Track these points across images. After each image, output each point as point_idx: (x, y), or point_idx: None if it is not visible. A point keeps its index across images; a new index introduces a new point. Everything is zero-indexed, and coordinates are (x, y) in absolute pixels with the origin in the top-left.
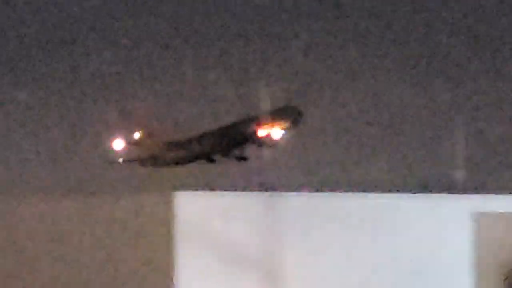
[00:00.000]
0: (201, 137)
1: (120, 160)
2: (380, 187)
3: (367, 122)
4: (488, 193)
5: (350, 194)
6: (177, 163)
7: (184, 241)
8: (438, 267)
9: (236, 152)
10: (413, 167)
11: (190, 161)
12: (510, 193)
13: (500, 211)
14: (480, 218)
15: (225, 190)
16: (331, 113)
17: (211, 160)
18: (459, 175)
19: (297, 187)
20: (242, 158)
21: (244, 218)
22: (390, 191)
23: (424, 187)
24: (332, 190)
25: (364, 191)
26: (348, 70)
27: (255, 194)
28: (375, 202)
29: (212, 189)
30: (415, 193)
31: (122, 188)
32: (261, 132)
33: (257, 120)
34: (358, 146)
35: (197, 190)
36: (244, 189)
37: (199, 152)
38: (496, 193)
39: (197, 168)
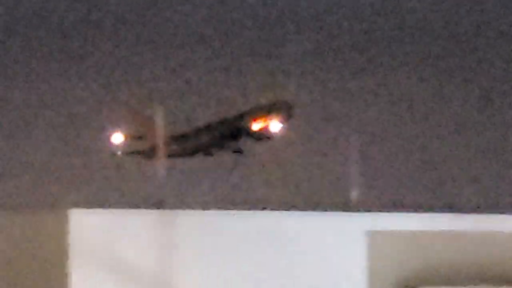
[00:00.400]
0: (200, 130)
1: (119, 153)
2: (275, 205)
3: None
4: (381, 211)
5: (245, 212)
6: (178, 156)
7: (79, 260)
8: (332, 286)
9: (232, 145)
10: (307, 185)
11: (190, 154)
12: (403, 211)
13: (393, 229)
14: (373, 236)
15: (121, 207)
16: None
17: (209, 154)
18: (353, 193)
19: (193, 205)
20: (238, 151)
21: (140, 236)
22: (284, 209)
23: (319, 205)
24: (227, 207)
25: (258, 208)
26: None
27: (151, 211)
28: (269, 220)
29: (108, 206)
30: (309, 210)
31: (15, 204)
32: (256, 126)
33: (252, 114)
34: (251, 163)
35: (93, 207)
36: (140, 206)
37: (199, 145)
38: (388, 211)
39: (92, 185)
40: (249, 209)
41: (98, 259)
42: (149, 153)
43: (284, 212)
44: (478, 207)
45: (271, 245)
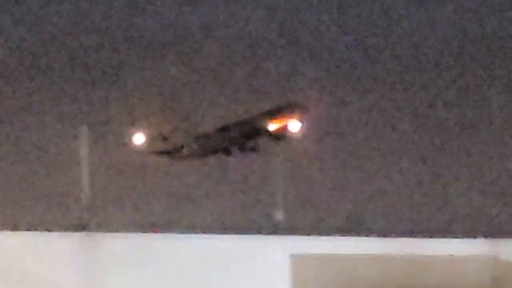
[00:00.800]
0: (220, 130)
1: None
2: (201, 228)
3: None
4: (304, 234)
5: (170, 235)
6: (199, 156)
7: None
8: None
9: (250, 144)
10: (232, 208)
11: (211, 153)
12: (327, 234)
13: (316, 252)
14: (297, 260)
15: (40, 230)
16: None
17: (228, 153)
18: (277, 216)
19: (116, 227)
20: (255, 150)
21: (59, 259)
22: (209, 232)
23: (244, 228)
24: (152, 230)
25: (184, 232)
26: None
27: (71, 234)
28: (196, 243)
29: (25, 229)
30: (234, 234)
31: None
32: (273, 126)
33: (269, 115)
34: (179, 187)
35: (8, 230)
36: (60, 229)
37: (219, 145)
38: (311, 235)
39: (6, 207)
40: (176, 231)
41: (16, 283)
42: (174, 153)
43: (210, 235)
44: (403, 231)
45: (197, 268)
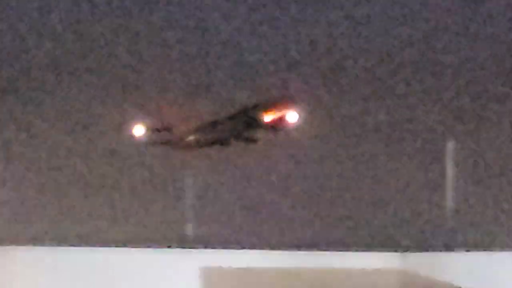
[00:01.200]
0: (217, 123)
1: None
2: (108, 241)
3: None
4: (215, 248)
5: (78, 248)
6: (200, 146)
7: None
8: None
9: (247, 134)
10: (142, 220)
11: (209, 144)
12: (238, 248)
13: (228, 266)
14: (208, 273)
15: None
16: None
17: (227, 144)
18: (188, 229)
19: (23, 241)
20: (253, 141)
21: None
22: (117, 245)
23: (156, 241)
24: (59, 243)
25: (92, 245)
26: None
27: None
28: (104, 256)
29: None
30: (144, 247)
31: None
32: (268, 118)
33: (266, 106)
34: (82, 200)
35: None
36: None
37: (219, 135)
38: (223, 248)
39: None
40: (85, 245)
41: None
42: (175, 144)
43: (118, 248)
44: (316, 245)
45: (104, 282)
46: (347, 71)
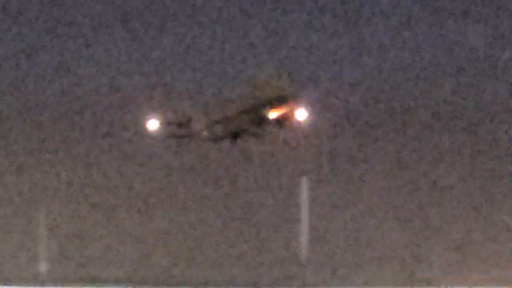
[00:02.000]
0: (227, 119)
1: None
2: None
3: None
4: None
5: None
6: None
7: None
8: None
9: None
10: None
11: (219, 139)
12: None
13: None
14: None
15: None
16: None
17: (235, 139)
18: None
19: None
20: (260, 136)
21: None
22: None
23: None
24: None
25: None
26: None
27: None
28: None
29: None
30: None
31: None
32: (273, 114)
33: (274, 103)
34: None
35: None
36: None
37: (227, 131)
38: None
39: None
40: None
41: None
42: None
43: None
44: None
45: None
46: None
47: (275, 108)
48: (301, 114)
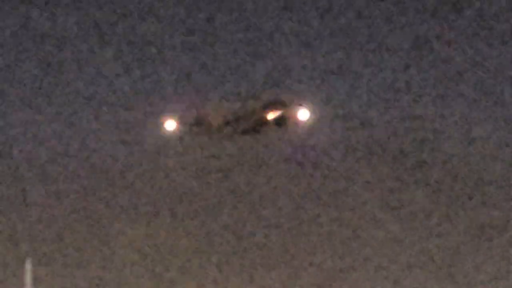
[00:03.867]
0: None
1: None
2: None
3: None
4: None
5: None
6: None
7: None
8: None
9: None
10: None
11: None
12: None
13: None
14: None
15: None
16: None
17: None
18: None
19: None
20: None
21: None
22: None
23: None
24: None
25: None
26: None
27: None
28: None
29: None
30: None
31: None
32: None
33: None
34: None
35: None
36: None
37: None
38: None
39: None
40: None
41: None
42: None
43: None
44: None
45: None
46: None
47: (276, 108)
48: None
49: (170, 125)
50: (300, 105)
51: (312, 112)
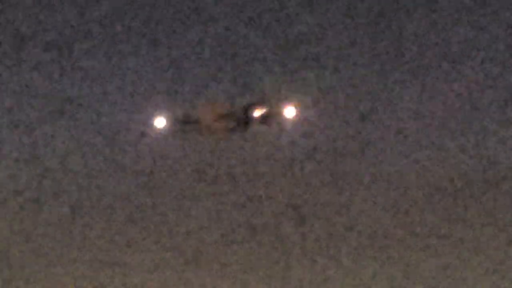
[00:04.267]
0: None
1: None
2: None
3: None
4: None
5: None
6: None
7: None
8: None
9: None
10: None
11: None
12: None
13: None
14: None
15: None
16: None
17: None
18: None
19: None
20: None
21: None
22: None
23: None
24: None
25: None
26: None
27: None
28: None
29: None
30: None
31: None
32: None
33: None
34: None
35: None
36: None
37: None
38: None
39: None
40: None
41: None
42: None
43: None
44: None
45: None
46: None
47: (262, 107)
48: (290, 113)
49: (161, 122)
50: (287, 103)
51: (299, 110)
